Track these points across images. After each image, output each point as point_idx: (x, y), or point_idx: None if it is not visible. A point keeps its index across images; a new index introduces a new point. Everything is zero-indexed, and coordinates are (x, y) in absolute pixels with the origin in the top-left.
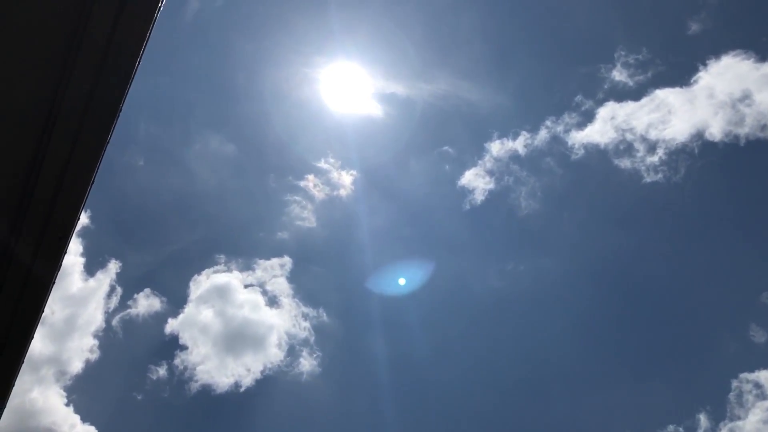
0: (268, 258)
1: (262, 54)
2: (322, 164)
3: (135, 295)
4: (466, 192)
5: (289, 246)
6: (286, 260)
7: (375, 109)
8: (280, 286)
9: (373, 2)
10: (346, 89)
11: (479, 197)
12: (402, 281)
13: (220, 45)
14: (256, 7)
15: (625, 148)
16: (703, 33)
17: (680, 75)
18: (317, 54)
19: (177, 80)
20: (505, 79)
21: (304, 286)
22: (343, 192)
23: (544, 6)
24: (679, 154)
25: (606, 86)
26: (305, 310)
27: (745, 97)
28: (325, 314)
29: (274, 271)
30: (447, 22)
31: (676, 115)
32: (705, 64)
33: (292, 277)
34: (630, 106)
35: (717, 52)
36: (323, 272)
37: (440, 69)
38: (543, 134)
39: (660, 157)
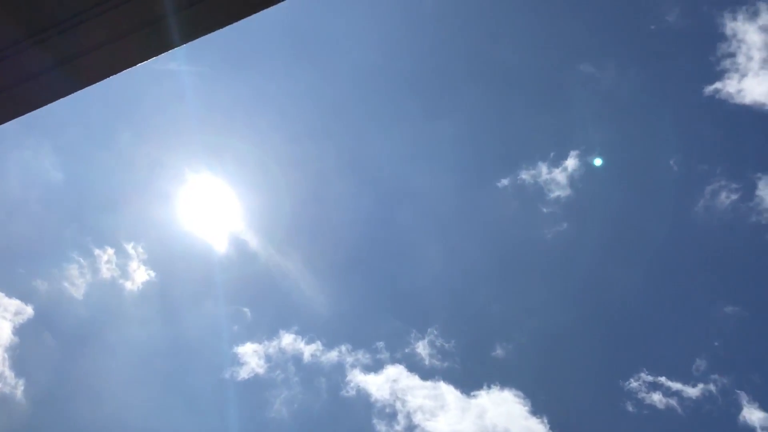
0: (9, 296)
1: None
2: (130, 248)
3: None
4: (236, 361)
5: (38, 298)
6: (28, 309)
7: (224, 244)
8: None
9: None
10: (219, 214)
11: (244, 374)
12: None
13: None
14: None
15: (390, 414)
16: (504, 358)
17: (467, 382)
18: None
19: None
20: (340, 289)
21: (25, 346)
22: (129, 285)
23: (389, 260)
24: None
25: (406, 350)
26: (8, 372)
27: None
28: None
29: (5, 313)
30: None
31: (445, 414)
32: (489, 387)
33: (20, 330)
34: (415, 380)
35: (503, 384)
36: (53, 346)
37: (295, 250)
38: (333, 355)
39: None
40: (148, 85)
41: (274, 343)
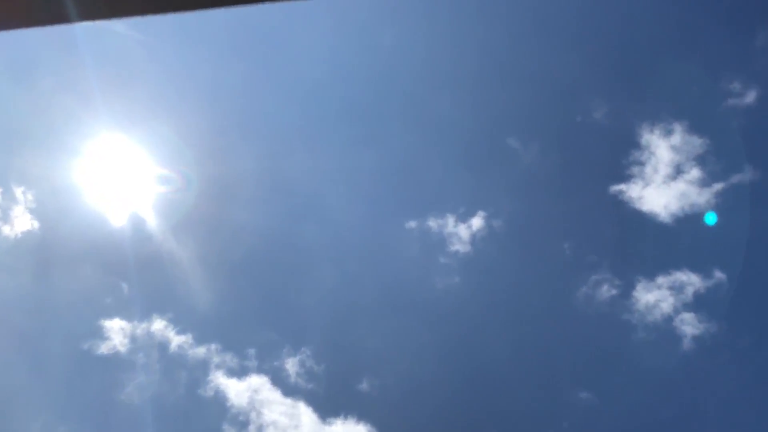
0: None
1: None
2: (19, 192)
3: None
4: (100, 334)
5: None
6: None
7: (120, 214)
8: None
9: None
10: (124, 184)
11: (104, 349)
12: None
13: None
14: None
15: (242, 422)
16: (368, 393)
17: (326, 408)
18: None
19: None
20: (225, 288)
21: None
22: (7, 230)
23: (281, 272)
24: None
25: (275, 363)
26: None
27: None
28: None
29: None
30: None
31: None
32: (346, 418)
33: None
34: (276, 395)
35: (360, 418)
36: None
37: (191, 240)
38: (200, 351)
39: None
40: (87, 40)
41: (144, 325)
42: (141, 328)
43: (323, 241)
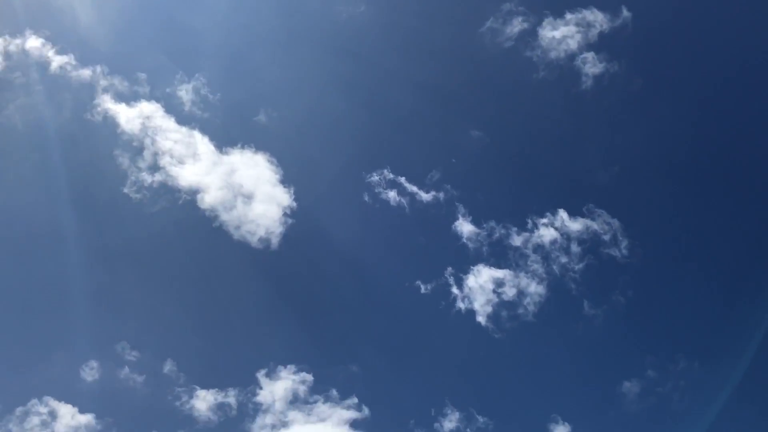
0: None
1: None
2: None
3: None
4: None
5: None
6: None
7: None
8: None
9: None
10: None
11: None
12: None
13: None
14: None
15: (136, 148)
16: (266, 124)
17: (224, 138)
18: None
19: None
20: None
21: None
22: None
23: None
24: None
25: (168, 90)
26: None
27: None
28: None
29: None
30: None
31: (194, 163)
32: (244, 148)
33: None
34: (170, 123)
35: (259, 148)
36: None
37: None
38: (85, 73)
39: None
40: None
41: (18, 41)
42: (15, 45)
43: None
